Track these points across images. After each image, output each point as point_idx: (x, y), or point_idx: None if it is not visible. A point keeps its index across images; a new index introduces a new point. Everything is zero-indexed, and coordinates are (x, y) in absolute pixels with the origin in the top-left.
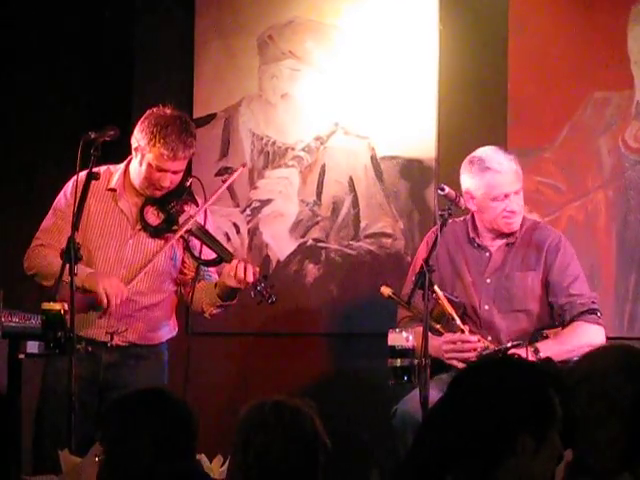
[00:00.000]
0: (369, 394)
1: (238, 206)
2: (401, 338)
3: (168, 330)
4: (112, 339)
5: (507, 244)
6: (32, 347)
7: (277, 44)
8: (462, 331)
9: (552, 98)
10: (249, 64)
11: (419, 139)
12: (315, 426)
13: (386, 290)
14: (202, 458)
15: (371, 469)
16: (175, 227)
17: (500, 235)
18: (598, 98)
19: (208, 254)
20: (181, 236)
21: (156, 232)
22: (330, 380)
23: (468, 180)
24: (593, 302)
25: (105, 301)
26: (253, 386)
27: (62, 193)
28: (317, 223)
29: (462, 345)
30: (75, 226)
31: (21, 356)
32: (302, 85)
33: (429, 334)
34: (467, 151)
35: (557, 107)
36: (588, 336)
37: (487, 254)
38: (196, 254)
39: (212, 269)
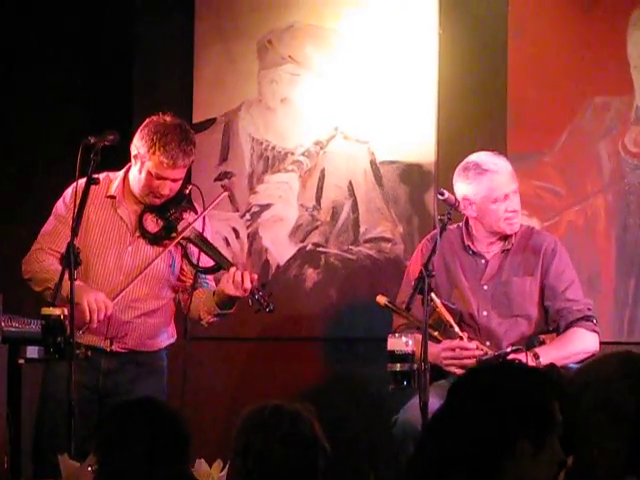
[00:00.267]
0: (368, 399)
1: (238, 211)
2: (401, 343)
3: (167, 337)
4: (111, 345)
5: (503, 250)
6: (32, 352)
7: (277, 49)
8: (461, 338)
9: (552, 103)
10: (249, 69)
11: (419, 144)
12: (315, 430)
13: (382, 299)
14: (202, 463)
15: (370, 473)
16: (174, 234)
17: (499, 240)
18: (598, 103)
19: (206, 262)
20: (179, 243)
21: (155, 239)
22: (329, 385)
23: (464, 187)
24: (589, 309)
25: (87, 316)
26: (252, 391)
27: (61, 199)
28: (317, 228)
29: (461, 352)
30: (75, 231)
31: (21, 361)
32: (302, 90)
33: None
34: (467, 156)
35: (557, 112)
36: (584, 343)
37: (483, 261)
38: (194, 261)
39: (210, 277)
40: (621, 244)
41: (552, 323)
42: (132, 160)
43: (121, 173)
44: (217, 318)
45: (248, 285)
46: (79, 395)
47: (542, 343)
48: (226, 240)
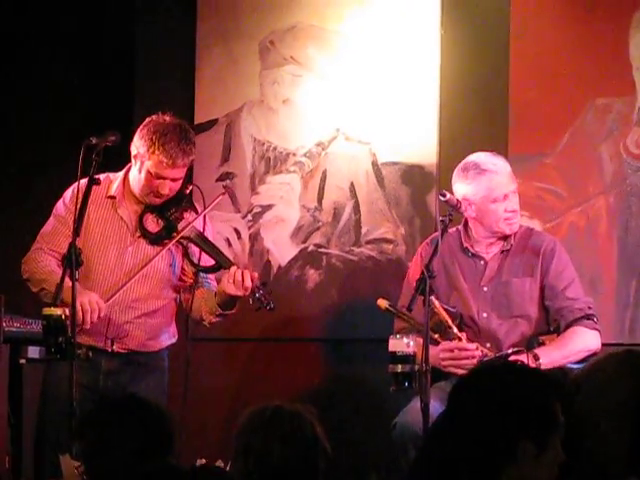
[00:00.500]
0: (370, 400)
1: (239, 212)
2: (402, 344)
3: (168, 337)
4: (112, 345)
5: (502, 251)
6: (33, 352)
7: (278, 49)
8: (459, 339)
9: (553, 104)
10: (250, 69)
11: (420, 145)
12: (315, 431)
13: (383, 303)
14: (202, 463)
15: (372, 474)
16: (174, 234)
17: (498, 240)
18: (599, 104)
19: (207, 261)
20: (180, 243)
21: (155, 239)
22: (331, 386)
23: (464, 187)
24: (589, 307)
25: (80, 317)
26: (254, 391)
27: (61, 200)
28: (318, 229)
29: (459, 353)
30: (77, 232)
31: (22, 361)
32: (303, 91)
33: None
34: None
35: (558, 113)
36: (584, 341)
37: (482, 262)
38: (195, 261)
39: (211, 276)
40: (622, 245)
41: (553, 323)
42: (132, 160)
43: (121, 173)
44: (219, 318)
45: (249, 284)
46: (80, 395)
47: (542, 344)
48: (228, 241)
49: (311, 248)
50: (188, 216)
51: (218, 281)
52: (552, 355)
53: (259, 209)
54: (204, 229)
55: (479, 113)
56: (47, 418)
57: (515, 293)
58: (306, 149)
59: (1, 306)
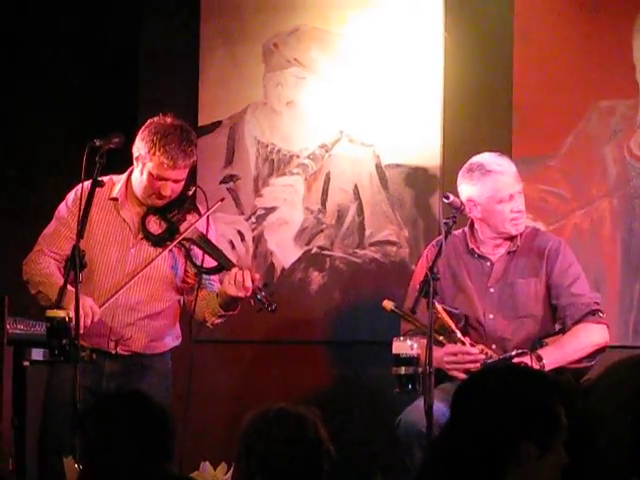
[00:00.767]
0: (373, 402)
1: (243, 214)
2: (405, 346)
3: (172, 339)
4: (116, 347)
5: (508, 252)
6: (37, 354)
7: (282, 52)
8: (462, 343)
9: (557, 106)
10: (254, 72)
11: (424, 147)
12: (319, 433)
13: (388, 304)
14: (206, 465)
15: (377, 474)
16: (177, 236)
17: (504, 241)
18: (603, 106)
19: (209, 263)
20: (182, 245)
21: (158, 241)
22: (334, 388)
23: (469, 188)
24: (596, 302)
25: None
26: (257, 394)
27: (64, 202)
28: (322, 231)
29: (463, 357)
30: (80, 234)
31: (26, 363)
32: (307, 93)
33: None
34: None
35: (562, 115)
36: (591, 336)
37: (488, 264)
38: (197, 262)
39: (214, 278)
40: (626, 248)
41: (559, 321)
42: (134, 162)
43: (124, 176)
44: (222, 319)
45: (249, 284)
46: (82, 398)
47: (545, 346)
48: (231, 243)
49: (315, 250)
50: (191, 218)
51: (221, 282)
52: (555, 355)
53: (263, 211)
54: (207, 231)
55: (483, 115)
56: (50, 420)
57: (521, 294)
58: (310, 151)
59: (5, 308)
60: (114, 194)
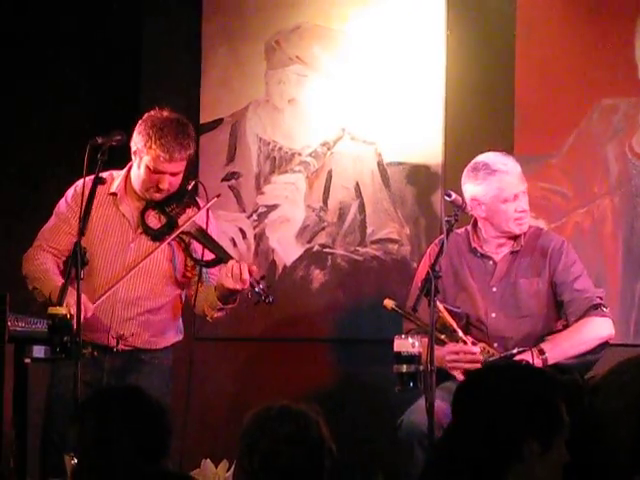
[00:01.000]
0: (375, 400)
1: (244, 211)
2: (407, 344)
3: (173, 334)
4: (117, 343)
5: (511, 252)
6: (38, 351)
7: (284, 49)
8: (464, 342)
9: (559, 105)
10: (256, 69)
11: (426, 145)
12: (321, 431)
13: (389, 303)
14: (208, 463)
15: (376, 475)
16: (175, 230)
17: (508, 241)
18: (605, 105)
19: (208, 255)
20: (181, 238)
21: (157, 235)
22: (335, 386)
23: (473, 187)
24: (599, 297)
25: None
26: (258, 391)
27: (63, 198)
28: (323, 229)
29: (465, 356)
30: (82, 231)
31: (27, 360)
32: (309, 90)
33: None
34: (474, 157)
35: (564, 114)
36: (594, 329)
37: (491, 262)
38: (195, 256)
39: (214, 272)
40: (628, 246)
41: (563, 317)
42: (132, 156)
43: (124, 171)
44: (221, 313)
45: (246, 276)
46: (83, 394)
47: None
48: (233, 240)
49: (316, 248)
50: (190, 212)
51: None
52: (557, 348)
53: (264, 209)
54: (207, 225)
55: (485, 113)
56: (52, 417)
57: (523, 293)
58: (311, 149)
59: (6, 305)
60: (113, 189)
